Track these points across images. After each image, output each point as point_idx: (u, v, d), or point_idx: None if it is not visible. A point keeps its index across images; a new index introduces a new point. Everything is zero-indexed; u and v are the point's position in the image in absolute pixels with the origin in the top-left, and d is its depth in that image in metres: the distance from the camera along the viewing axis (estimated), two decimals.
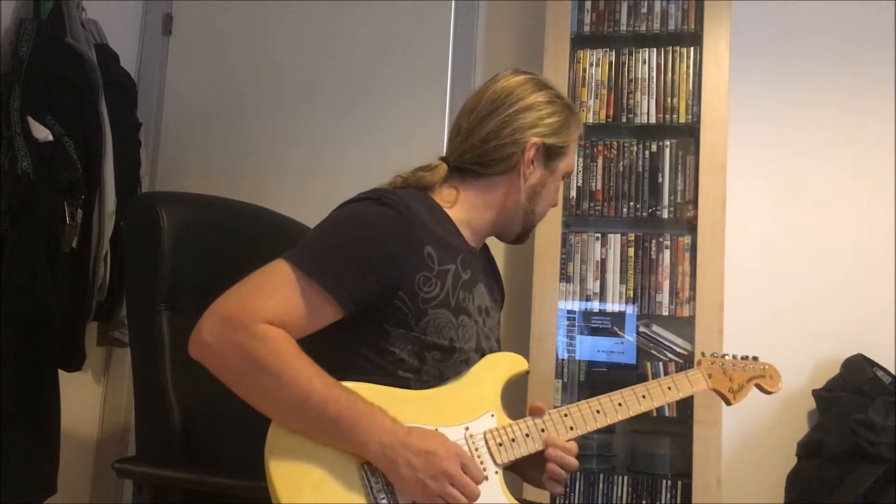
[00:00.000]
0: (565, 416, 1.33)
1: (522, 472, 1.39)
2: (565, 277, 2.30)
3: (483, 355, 1.37)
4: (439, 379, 1.30)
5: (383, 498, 1.16)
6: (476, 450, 1.25)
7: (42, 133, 2.08)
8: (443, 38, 2.67)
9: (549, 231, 2.28)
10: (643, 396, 1.38)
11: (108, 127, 2.29)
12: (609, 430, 2.30)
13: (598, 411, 1.34)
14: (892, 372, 2.22)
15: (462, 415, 1.27)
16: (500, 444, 1.27)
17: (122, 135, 2.40)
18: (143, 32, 2.85)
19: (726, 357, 1.49)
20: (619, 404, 1.36)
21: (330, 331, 1.25)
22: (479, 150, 1.38)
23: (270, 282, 1.21)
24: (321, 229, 1.29)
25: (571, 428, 1.33)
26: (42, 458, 2.10)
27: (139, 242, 1.53)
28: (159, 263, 1.47)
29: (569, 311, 2.31)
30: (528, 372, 1.39)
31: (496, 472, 1.25)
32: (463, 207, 1.40)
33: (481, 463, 1.24)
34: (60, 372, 2.18)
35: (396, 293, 1.25)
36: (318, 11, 2.76)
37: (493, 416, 1.29)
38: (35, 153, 2.06)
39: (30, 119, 2.07)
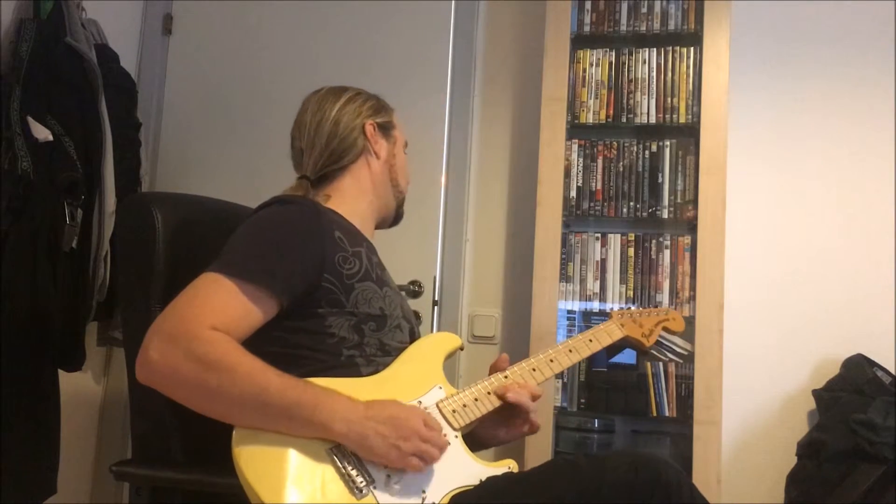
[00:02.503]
0: (506, 377, 1.43)
1: (488, 438, 1.46)
2: (565, 277, 2.30)
3: (411, 325, 1.49)
4: (382, 351, 1.38)
5: (357, 475, 1.19)
6: (440, 425, 1.30)
7: (42, 133, 2.08)
8: (443, 38, 2.67)
9: (549, 231, 2.28)
10: (570, 351, 1.51)
11: (108, 127, 2.29)
12: (609, 429, 2.30)
13: (533, 369, 1.46)
14: (892, 372, 2.22)
15: (412, 392, 1.34)
16: (454, 411, 1.34)
17: (122, 135, 2.39)
18: (143, 32, 2.85)
19: (633, 308, 1.65)
20: (551, 360, 1.48)
21: (269, 333, 1.30)
22: (327, 151, 1.52)
23: (203, 292, 1.25)
24: (236, 238, 1.35)
25: None
26: (42, 458, 2.10)
27: (133, 243, 1.52)
28: (153, 264, 1.47)
29: (569, 311, 2.30)
30: (462, 348, 1.49)
31: (456, 437, 1.32)
32: (343, 202, 1.50)
33: (445, 436, 1.30)
34: (60, 372, 2.18)
35: (322, 275, 1.33)
36: (318, 11, 2.76)
37: (440, 388, 1.37)
38: (35, 153, 2.06)
39: (30, 119, 2.07)
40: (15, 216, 2.04)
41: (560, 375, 2.26)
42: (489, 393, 1.39)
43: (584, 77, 2.38)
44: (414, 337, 1.50)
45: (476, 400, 1.37)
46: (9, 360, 2.00)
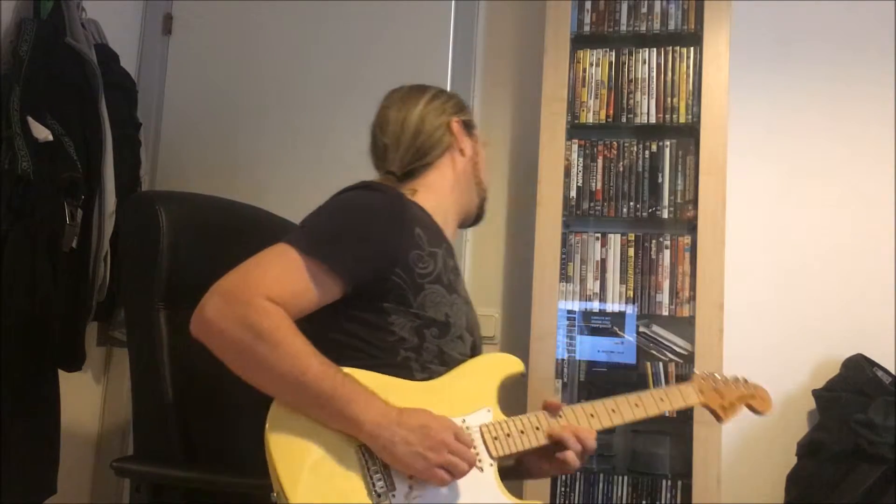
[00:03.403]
0: (559, 416, 1.37)
1: (533, 470, 1.41)
2: (565, 277, 2.30)
3: (473, 339, 1.45)
4: (439, 360, 1.34)
5: (379, 479, 1.18)
6: (472, 441, 1.26)
7: (42, 133, 2.08)
8: (443, 38, 2.67)
9: (549, 231, 2.28)
10: (636, 405, 1.43)
11: (108, 127, 2.29)
12: (609, 430, 2.29)
13: (592, 415, 1.39)
14: (892, 372, 2.22)
15: (459, 407, 1.30)
16: (496, 438, 1.29)
17: (122, 135, 2.39)
18: (143, 32, 2.85)
19: (718, 376, 1.53)
20: (613, 410, 1.41)
21: (331, 318, 1.30)
22: (414, 147, 1.51)
23: (270, 261, 1.25)
24: (317, 214, 1.35)
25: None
26: (42, 458, 2.10)
27: (138, 241, 1.52)
28: (158, 262, 1.47)
29: (569, 311, 2.30)
30: (523, 374, 1.44)
31: (491, 465, 1.27)
32: (429, 197, 1.48)
33: (477, 454, 1.25)
34: (60, 372, 2.18)
35: (393, 269, 1.31)
36: (318, 11, 2.76)
37: (489, 411, 1.32)
38: (35, 153, 2.06)
39: (30, 119, 2.07)
40: (15, 216, 2.04)
41: (560, 375, 2.26)
42: (537, 428, 1.34)
43: (584, 77, 2.38)
44: (476, 351, 1.46)
45: (522, 432, 1.32)
46: (9, 360, 2.00)
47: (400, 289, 1.31)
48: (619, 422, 1.41)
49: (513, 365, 1.42)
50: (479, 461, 1.25)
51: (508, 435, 1.31)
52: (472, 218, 1.61)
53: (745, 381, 1.56)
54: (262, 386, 1.20)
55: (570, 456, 1.32)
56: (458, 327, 1.39)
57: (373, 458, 1.19)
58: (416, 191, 1.48)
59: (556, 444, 1.34)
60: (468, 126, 1.58)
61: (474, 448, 1.25)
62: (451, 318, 1.38)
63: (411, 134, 1.50)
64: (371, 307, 1.31)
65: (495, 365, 1.41)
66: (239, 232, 1.66)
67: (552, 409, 1.37)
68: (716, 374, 1.53)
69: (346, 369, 1.22)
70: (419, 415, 1.20)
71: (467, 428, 1.28)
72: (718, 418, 1.51)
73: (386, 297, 1.31)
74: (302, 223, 1.33)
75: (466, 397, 1.32)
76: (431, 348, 1.34)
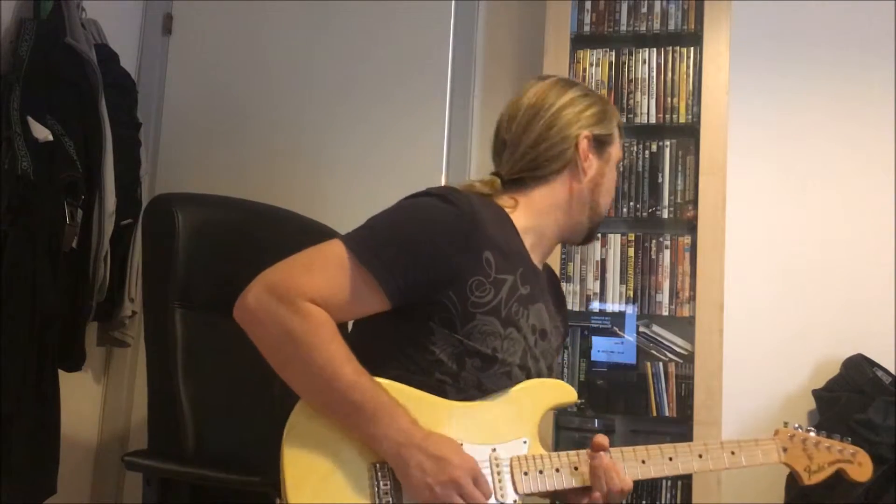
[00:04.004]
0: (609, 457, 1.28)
1: (559, 501, 1.34)
2: (565, 277, 2.30)
3: (528, 374, 1.33)
4: (478, 389, 1.26)
5: (388, 502, 1.15)
6: (499, 473, 1.21)
7: (42, 133, 2.08)
8: (443, 38, 2.67)
9: None
10: (700, 456, 1.31)
11: (108, 127, 2.29)
12: (609, 430, 2.29)
13: (643, 461, 1.30)
14: (892, 372, 2.22)
15: (493, 435, 1.23)
16: (526, 473, 1.22)
17: (122, 135, 2.39)
18: (143, 32, 2.86)
19: (811, 433, 1.39)
20: (670, 459, 1.31)
21: (374, 323, 1.27)
22: (530, 155, 1.38)
23: (322, 260, 1.22)
24: (382, 218, 1.28)
25: None
26: (42, 458, 2.10)
27: (155, 243, 1.57)
28: (174, 263, 1.51)
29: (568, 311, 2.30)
30: (577, 404, 1.38)
31: (514, 501, 1.21)
32: (527, 214, 1.38)
33: (501, 488, 1.20)
34: (60, 372, 2.18)
35: (446, 292, 1.23)
36: (318, 11, 2.77)
37: (525, 442, 1.25)
38: (35, 153, 2.07)
39: (30, 119, 2.08)
40: (15, 216, 2.04)
41: (559, 375, 2.26)
42: (576, 468, 1.24)
43: (584, 77, 2.38)
44: None
45: (557, 470, 1.23)
46: (9, 359, 2.00)
47: (448, 312, 1.24)
48: (672, 472, 1.30)
49: (564, 394, 1.34)
50: (503, 496, 1.20)
51: (541, 472, 1.23)
52: (579, 240, 1.48)
53: (842, 440, 1.41)
54: (291, 384, 1.19)
55: (595, 497, 1.24)
56: (507, 364, 1.28)
57: (384, 479, 1.16)
58: (517, 203, 1.38)
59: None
60: (601, 142, 1.41)
61: (500, 487, 1.20)
62: (500, 353, 1.27)
63: (533, 138, 1.37)
64: (418, 323, 1.25)
65: (544, 393, 1.32)
66: (254, 230, 1.69)
67: (599, 447, 1.27)
68: (808, 432, 1.39)
69: (384, 381, 1.19)
70: (444, 445, 1.16)
71: (497, 458, 1.21)
72: (801, 481, 1.38)
73: (433, 316, 1.24)
74: (366, 224, 1.27)
75: (503, 424, 1.25)
76: (470, 378, 1.26)
